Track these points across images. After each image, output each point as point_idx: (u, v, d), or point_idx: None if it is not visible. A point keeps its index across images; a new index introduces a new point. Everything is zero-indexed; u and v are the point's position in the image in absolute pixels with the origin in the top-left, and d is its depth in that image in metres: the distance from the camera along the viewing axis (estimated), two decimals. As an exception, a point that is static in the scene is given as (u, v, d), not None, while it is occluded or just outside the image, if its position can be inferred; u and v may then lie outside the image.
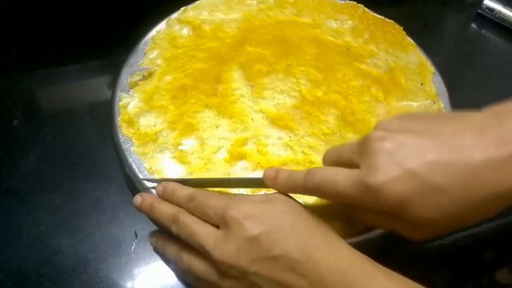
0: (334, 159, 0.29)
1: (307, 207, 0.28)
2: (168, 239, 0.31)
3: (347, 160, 0.27)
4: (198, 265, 0.28)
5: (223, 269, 0.26)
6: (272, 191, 0.30)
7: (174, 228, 0.29)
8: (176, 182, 0.32)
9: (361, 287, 0.23)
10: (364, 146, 0.25)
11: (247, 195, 0.32)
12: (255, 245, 0.25)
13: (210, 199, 0.29)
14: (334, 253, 0.25)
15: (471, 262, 0.47)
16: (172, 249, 0.31)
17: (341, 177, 0.25)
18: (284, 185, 0.29)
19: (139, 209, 0.32)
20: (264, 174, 0.30)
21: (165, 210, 0.30)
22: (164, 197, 0.32)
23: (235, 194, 0.32)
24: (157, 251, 0.34)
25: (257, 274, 0.25)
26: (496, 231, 0.39)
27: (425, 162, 0.23)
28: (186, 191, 0.30)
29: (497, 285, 0.48)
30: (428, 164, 0.23)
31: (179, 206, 0.30)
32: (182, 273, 0.31)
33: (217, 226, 0.27)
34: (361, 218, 0.28)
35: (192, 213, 0.29)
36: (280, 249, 0.25)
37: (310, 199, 0.33)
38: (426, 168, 0.22)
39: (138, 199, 0.32)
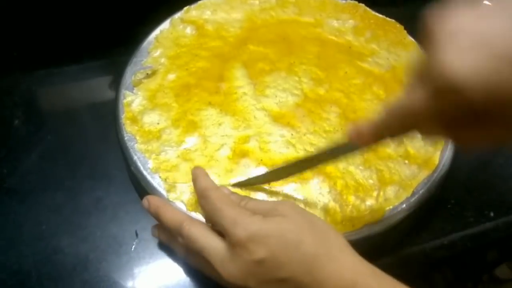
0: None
1: (313, 215, 0.27)
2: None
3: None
4: (206, 268, 0.28)
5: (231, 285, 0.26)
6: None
7: (179, 239, 0.29)
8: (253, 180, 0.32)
9: None
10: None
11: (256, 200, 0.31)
12: (262, 268, 0.25)
13: (220, 211, 0.27)
14: (338, 271, 0.24)
15: (472, 262, 0.47)
16: (179, 248, 0.30)
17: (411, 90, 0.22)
18: (368, 132, 0.26)
19: (149, 212, 0.32)
20: (347, 134, 0.28)
21: (170, 215, 0.30)
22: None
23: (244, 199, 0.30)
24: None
25: None
26: (497, 231, 0.39)
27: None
28: (197, 191, 0.30)
29: (497, 281, 0.48)
30: None
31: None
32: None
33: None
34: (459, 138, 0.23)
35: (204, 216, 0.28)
36: (286, 272, 0.24)
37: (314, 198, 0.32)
38: None
39: (145, 202, 0.32)
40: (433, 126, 0.23)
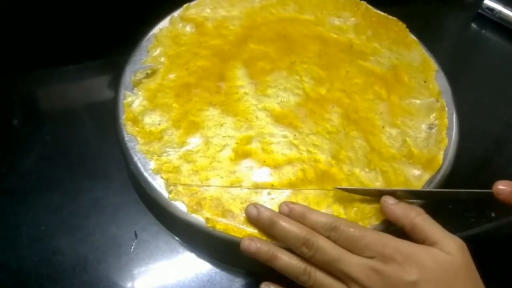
0: None
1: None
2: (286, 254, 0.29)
3: None
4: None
5: None
6: None
7: (305, 250, 0.28)
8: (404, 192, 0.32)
9: None
10: None
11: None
12: None
13: (358, 231, 0.28)
14: None
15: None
16: (297, 264, 0.29)
17: None
18: None
19: (255, 221, 0.31)
20: (496, 189, 0.30)
21: (291, 228, 0.29)
22: (291, 218, 0.30)
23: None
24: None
25: None
26: (496, 231, 0.39)
27: None
28: (323, 217, 0.29)
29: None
30: None
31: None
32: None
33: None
34: None
35: (333, 241, 0.28)
36: None
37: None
38: None
39: (253, 210, 0.31)
40: None
